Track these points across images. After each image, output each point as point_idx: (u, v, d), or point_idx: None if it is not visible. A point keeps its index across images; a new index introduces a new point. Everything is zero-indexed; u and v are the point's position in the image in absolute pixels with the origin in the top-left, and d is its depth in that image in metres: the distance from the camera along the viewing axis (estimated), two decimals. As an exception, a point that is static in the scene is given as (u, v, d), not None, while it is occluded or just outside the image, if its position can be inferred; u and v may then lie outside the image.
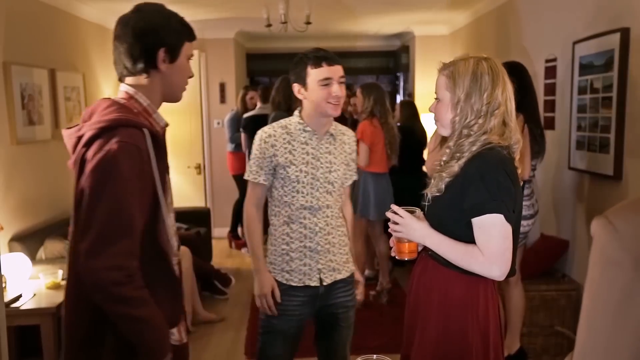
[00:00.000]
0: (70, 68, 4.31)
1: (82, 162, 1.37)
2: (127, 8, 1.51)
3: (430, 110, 1.76)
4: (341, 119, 5.13)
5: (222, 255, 5.75)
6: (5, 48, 3.41)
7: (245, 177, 2.12)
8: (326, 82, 1.97)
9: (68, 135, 1.46)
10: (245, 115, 5.40)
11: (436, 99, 1.72)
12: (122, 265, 1.30)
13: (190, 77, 1.57)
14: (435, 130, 3.25)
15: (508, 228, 1.52)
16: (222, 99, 6.40)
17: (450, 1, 4.83)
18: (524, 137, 2.61)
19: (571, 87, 3.26)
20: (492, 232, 1.51)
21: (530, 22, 3.97)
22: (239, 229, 6.14)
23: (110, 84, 5.18)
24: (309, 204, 2.06)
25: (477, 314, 1.61)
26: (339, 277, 2.15)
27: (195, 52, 5.50)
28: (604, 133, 2.92)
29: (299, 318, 2.15)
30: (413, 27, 6.23)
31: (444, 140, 1.78)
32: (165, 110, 1.54)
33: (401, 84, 7.31)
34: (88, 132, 1.37)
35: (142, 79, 1.48)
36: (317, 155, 2.06)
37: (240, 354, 3.58)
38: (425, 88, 6.27)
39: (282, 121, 2.10)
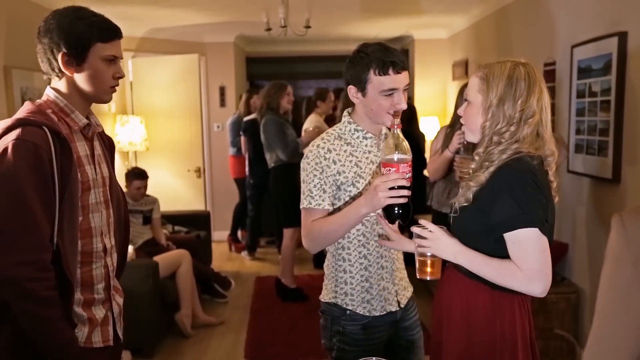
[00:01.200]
0: (70, 72, 4.31)
1: None
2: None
3: (459, 114, 1.68)
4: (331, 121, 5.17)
5: (222, 258, 5.75)
6: (6, 52, 3.42)
7: (304, 205, 1.76)
8: (390, 92, 1.69)
9: None
10: (246, 118, 5.42)
11: (466, 100, 1.62)
12: (31, 260, 1.34)
13: (118, 77, 1.56)
14: (437, 135, 3.25)
15: (544, 240, 1.44)
16: (222, 103, 6.41)
17: (449, 5, 4.85)
18: None
19: (570, 91, 3.27)
20: (528, 247, 1.43)
21: (529, 26, 3.98)
22: (239, 233, 6.15)
23: (111, 88, 5.19)
24: None
25: (502, 329, 1.53)
26: (408, 294, 1.90)
27: (195, 56, 5.56)
28: (602, 136, 2.93)
29: (380, 348, 1.83)
30: (412, 30, 6.25)
31: (472, 147, 1.71)
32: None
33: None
34: None
35: (60, 82, 1.53)
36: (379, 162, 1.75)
37: (240, 357, 3.58)
38: (425, 91, 6.29)
39: (333, 132, 1.81)
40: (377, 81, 1.69)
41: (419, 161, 4.87)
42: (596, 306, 0.86)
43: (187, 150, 5.49)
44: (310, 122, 4.76)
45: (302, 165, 1.79)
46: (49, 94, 1.54)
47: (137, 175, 4.32)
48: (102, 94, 1.57)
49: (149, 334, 3.55)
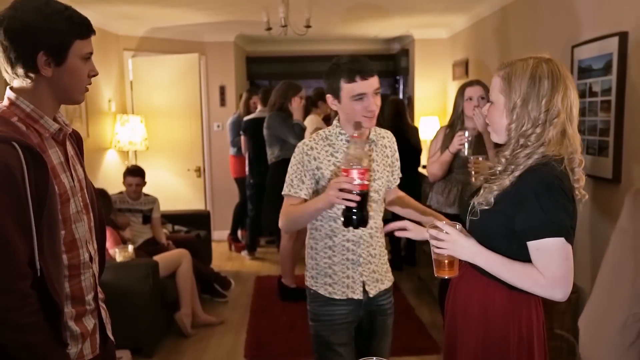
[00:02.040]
0: (70, 71, 4.31)
1: None
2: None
3: (483, 114, 1.67)
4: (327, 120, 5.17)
5: (222, 258, 5.75)
6: None
7: (285, 192, 2.02)
8: (360, 97, 1.89)
9: None
10: (246, 118, 5.42)
11: (489, 101, 1.60)
12: (7, 289, 1.25)
13: (93, 75, 1.46)
14: (436, 135, 3.25)
15: (569, 248, 1.43)
16: (222, 102, 6.41)
17: (450, 5, 4.85)
18: None
19: (570, 91, 3.27)
20: (553, 255, 1.42)
21: (529, 25, 3.98)
22: (239, 232, 6.15)
23: (110, 87, 5.19)
24: None
25: (519, 328, 1.53)
26: (383, 287, 2.12)
27: (196, 55, 5.56)
28: (603, 136, 2.93)
29: (345, 327, 2.09)
30: (412, 30, 6.25)
31: (488, 146, 1.73)
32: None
33: (401, 87, 7.33)
34: None
35: (27, 83, 1.37)
36: None
37: (240, 357, 3.58)
38: (425, 91, 6.29)
39: (322, 133, 2.04)
40: (347, 88, 1.90)
41: (411, 157, 4.84)
42: (597, 275, 0.86)
43: (187, 149, 5.49)
44: (309, 123, 4.76)
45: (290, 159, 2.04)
46: (10, 97, 1.38)
47: (131, 172, 4.32)
48: (77, 94, 1.45)
49: (149, 333, 3.55)
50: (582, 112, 3.15)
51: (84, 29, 1.40)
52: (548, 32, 3.67)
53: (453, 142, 2.89)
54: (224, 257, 5.82)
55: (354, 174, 1.71)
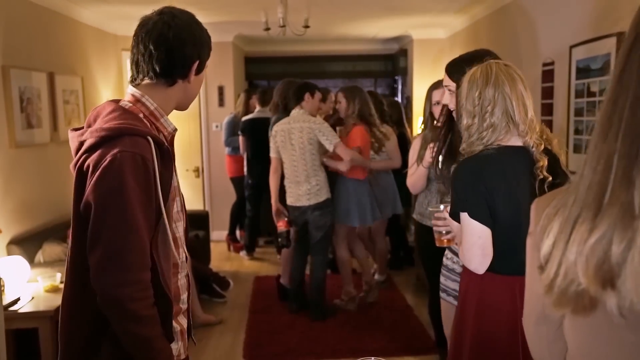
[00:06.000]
0: (69, 71, 4.31)
1: (82, 170, 1.35)
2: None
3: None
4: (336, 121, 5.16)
5: (220, 258, 5.75)
6: (4, 51, 3.42)
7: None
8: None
9: (72, 138, 1.43)
10: (244, 118, 5.42)
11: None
12: (134, 280, 1.29)
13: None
14: (413, 145, 2.96)
15: (474, 224, 1.61)
16: (221, 102, 6.41)
17: (448, 5, 4.85)
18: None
19: (568, 91, 3.27)
20: (464, 229, 1.64)
21: (528, 26, 3.99)
22: (237, 232, 6.15)
23: (109, 87, 5.18)
24: None
25: (506, 314, 1.64)
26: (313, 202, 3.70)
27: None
28: (601, 136, 2.93)
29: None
30: (411, 30, 6.25)
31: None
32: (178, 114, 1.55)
33: (399, 87, 7.33)
34: (90, 139, 1.34)
35: (160, 85, 1.44)
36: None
37: (239, 357, 3.58)
38: (423, 91, 6.26)
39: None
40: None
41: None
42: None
43: (186, 150, 5.49)
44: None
45: None
46: (136, 94, 1.44)
47: None
48: (190, 103, 1.57)
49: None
50: (580, 112, 3.16)
51: (211, 43, 1.55)
52: (546, 32, 3.68)
53: (425, 156, 2.70)
54: (223, 258, 5.82)
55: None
